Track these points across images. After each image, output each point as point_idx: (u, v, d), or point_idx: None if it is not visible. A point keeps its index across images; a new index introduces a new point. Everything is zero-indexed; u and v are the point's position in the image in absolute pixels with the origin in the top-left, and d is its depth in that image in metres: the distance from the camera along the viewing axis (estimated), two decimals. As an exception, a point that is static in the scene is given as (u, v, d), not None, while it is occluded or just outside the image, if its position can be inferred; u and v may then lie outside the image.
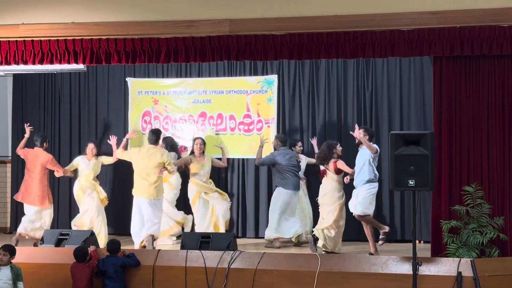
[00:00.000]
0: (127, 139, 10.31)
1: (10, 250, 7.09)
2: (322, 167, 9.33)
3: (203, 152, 10.15)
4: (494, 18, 7.66)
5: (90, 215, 9.82)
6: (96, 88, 11.52)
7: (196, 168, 10.03)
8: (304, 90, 10.78)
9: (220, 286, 7.47)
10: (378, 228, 9.04)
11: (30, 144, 10.11)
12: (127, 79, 11.32)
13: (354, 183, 9.05)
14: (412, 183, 6.61)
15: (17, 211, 11.54)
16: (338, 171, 9.12)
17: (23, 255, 8.05)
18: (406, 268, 7.10)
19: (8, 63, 8.67)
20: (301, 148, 10.40)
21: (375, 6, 7.91)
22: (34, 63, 8.62)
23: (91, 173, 9.94)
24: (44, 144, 9.95)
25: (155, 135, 9.73)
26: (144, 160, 9.45)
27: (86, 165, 9.96)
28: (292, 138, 10.43)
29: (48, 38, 8.51)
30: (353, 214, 9.08)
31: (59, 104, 11.61)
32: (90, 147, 10.07)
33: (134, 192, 9.57)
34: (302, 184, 10.15)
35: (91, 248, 7.75)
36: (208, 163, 10.16)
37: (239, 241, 9.33)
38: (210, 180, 10.29)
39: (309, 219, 10.13)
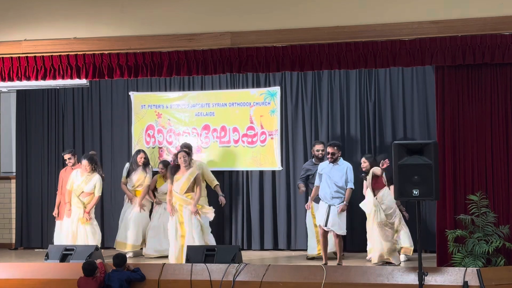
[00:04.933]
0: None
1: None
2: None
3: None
4: (495, 26, 7.65)
5: None
6: (100, 102, 11.55)
7: None
8: (307, 101, 10.78)
9: (226, 299, 7.45)
10: None
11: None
12: (130, 93, 11.36)
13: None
14: (416, 192, 6.60)
15: (22, 227, 11.56)
16: None
17: (28, 271, 8.06)
18: (412, 278, 7.07)
19: (11, 79, 8.70)
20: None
21: (375, 16, 7.92)
22: (37, 79, 8.64)
23: None
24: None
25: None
26: None
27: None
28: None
29: (51, 54, 8.54)
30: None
31: (63, 119, 11.64)
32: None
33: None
34: None
35: (98, 261, 7.74)
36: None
37: (244, 253, 9.29)
38: None
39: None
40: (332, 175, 9.14)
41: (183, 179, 9.35)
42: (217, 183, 10.19)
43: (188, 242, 9.12)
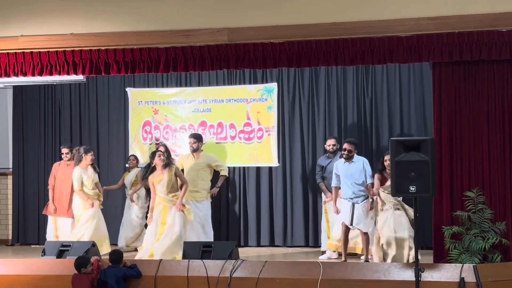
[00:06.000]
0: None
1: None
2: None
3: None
4: (492, 23, 7.65)
5: None
6: (96, 98, 11.55)
7: None
8: (304, 98, 10.78)
9: (222, 296, 7.45)
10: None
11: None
12: (127, 89, 11.35)
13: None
14: (413, 189, 6.58)
15: (19, 224, 11.56)
16: None
17: (25, 267, 8.05)
18: (408, 275, 7.07)
19: (7, 75, 8.67)
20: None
21: (373, 13, 7.91)
22: (33, 75, 8.61)
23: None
24: None
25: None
26: None
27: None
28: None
29: (47, 50, 8.51)
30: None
31: (60, 115, 11.63)
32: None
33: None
34: None
35: (94, 258, 7.73)
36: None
37: (241, 250, 9.29)
38: None
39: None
40: (350, 175, 8.95)
41: (164, 179, 9.08)
42: (226, 174, 10.11)
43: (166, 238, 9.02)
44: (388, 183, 8.72)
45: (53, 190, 10.09)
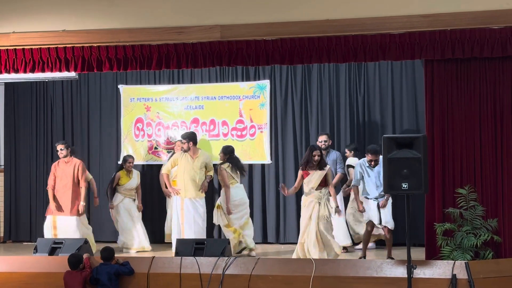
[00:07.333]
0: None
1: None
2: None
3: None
4: (484, 20, 7.67)
5: None
6: (88, 95, 11.52)
7: None
8: (297, 95, 10.79)
9: (215, 293, 7.46)
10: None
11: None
12: (119, 86, 11.33)
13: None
14: (405, 186, 6.59)
15: (11, 221, 11.52)
16: None
17: (17, 264, 8.03)
18: (400, 272, 7.09)
19: (-1, 71, 8.66)
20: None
21: (365, 10, 7.92)
22: (25, 72, 8.60)
23: None
24: None
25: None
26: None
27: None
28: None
29: (39, 46, 8.49)
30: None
31: (52, 112, 11.59)
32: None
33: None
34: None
35: (85, 256, 7.71)
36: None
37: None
38: None
39: None
40: (377, 174, 8.99)
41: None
42: (212, 175, 10.08)
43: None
44: (312, 176, 8.77)
45: (52, 190, 9.98)
